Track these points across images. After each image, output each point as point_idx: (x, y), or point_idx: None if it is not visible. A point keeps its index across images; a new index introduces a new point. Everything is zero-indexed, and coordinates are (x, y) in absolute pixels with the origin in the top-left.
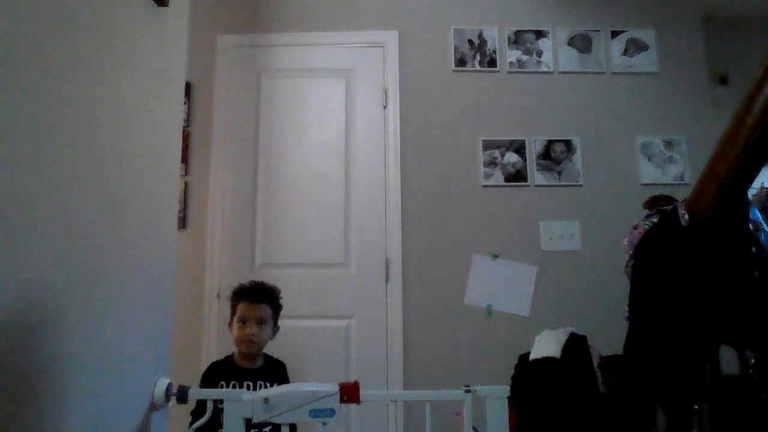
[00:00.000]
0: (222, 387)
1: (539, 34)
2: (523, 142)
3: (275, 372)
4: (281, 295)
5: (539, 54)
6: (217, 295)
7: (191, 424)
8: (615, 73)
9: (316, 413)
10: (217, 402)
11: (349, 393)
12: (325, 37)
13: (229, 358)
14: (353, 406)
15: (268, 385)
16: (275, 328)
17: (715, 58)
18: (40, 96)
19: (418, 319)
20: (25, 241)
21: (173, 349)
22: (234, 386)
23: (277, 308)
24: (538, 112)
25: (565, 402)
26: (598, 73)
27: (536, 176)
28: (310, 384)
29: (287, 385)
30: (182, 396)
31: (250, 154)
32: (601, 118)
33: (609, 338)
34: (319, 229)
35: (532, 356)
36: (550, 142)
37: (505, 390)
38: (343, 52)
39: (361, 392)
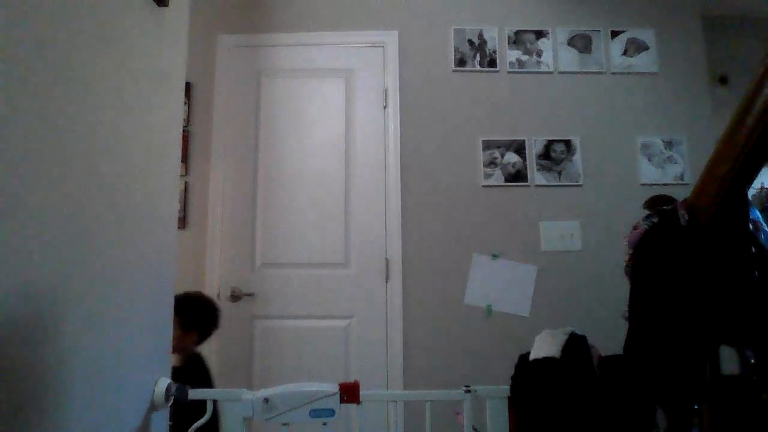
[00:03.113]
0: None
1: (539, 34)
2: (523, 142)
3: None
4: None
5: (539, 54)
6: (218, 295)
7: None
8: (615, 73)
9: (316, 413)
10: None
11: (349, 393)
12: (325, 37)
13: None
14: (353, 406)
15: None
16: (188, 334)
17: (715, 58)
18: (40, 96)
19: (418, 319)
20: (24, 241)
21: None
22: None
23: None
24: (538, 112)
25: (565, 402)
26: (598, 73)
27: (536, 176)
28: (310, 384)
29: (287, 384)
30: (182, 396)
31: (250, 154)
32: (601, 118)
33: (609, 338)
34: (319, 229)
35: (531, 356)
36: (550, 142)
37: (505, 390)
38: (343, 52)
39: (361, 392)
